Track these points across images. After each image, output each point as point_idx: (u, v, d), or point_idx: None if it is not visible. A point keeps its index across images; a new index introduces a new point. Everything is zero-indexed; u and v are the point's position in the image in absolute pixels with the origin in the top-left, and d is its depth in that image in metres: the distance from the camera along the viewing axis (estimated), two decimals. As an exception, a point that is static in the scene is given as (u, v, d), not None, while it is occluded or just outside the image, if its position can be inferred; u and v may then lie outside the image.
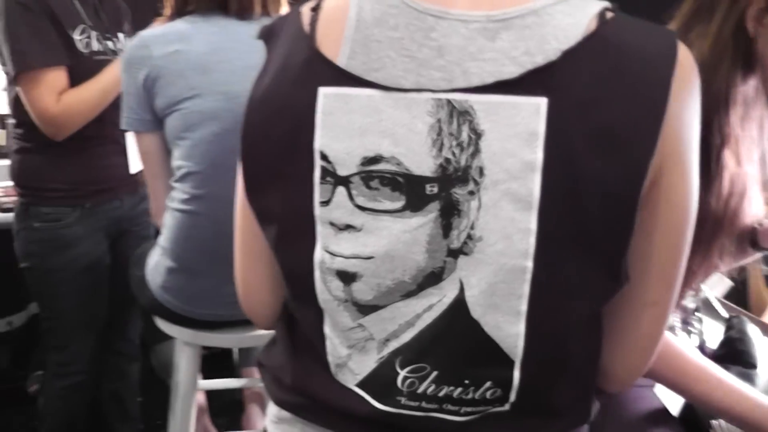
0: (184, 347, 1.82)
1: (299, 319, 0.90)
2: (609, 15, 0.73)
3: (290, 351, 0.92)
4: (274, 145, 0.81)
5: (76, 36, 1.98)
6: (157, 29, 1.63)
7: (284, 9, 1.68)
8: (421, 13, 0.75)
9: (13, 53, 1.91)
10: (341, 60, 0.77)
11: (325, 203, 0.79)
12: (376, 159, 0.76)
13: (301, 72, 0.79)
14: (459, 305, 0.77)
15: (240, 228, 0.93)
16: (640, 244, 0.77)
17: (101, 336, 2.25)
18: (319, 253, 0.81)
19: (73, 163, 2.05)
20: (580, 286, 0.75)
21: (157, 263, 1.74)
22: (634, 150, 0.71)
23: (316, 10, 0.81)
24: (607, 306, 0.81)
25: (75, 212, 2.06)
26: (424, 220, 0.75)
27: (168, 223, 1.69)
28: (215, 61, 1.57)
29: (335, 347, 0.84)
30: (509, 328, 0.76)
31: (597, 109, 0.70)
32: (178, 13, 1.64)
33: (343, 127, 0.77)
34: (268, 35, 0.86)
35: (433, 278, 0.77)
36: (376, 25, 0.76)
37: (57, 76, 1.93)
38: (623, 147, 0.71)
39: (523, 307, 0.75)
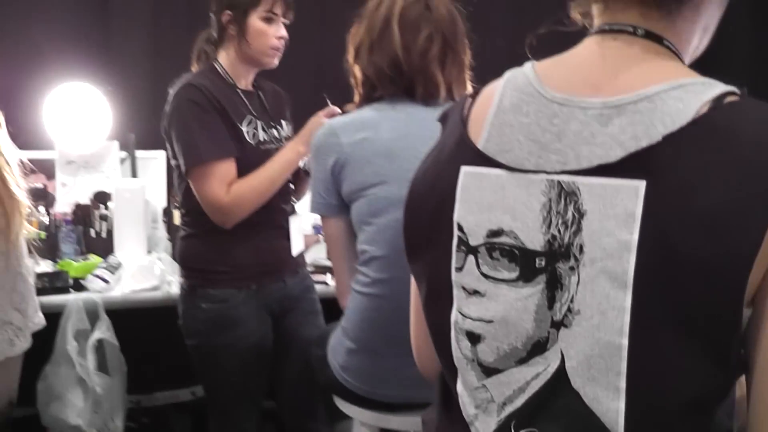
0: (363, 428, 1.83)
1: (445, 375, 0.96)
2: (730, 99, 0.74)
3: (441, 406, 0.99)
4: (427, 216, 0.93)
5: (244, 127, 2.10)
6: (344, 117, 1.70)
7: (469, 91, 1.72)
8: (549, 101, 0.83)
9: (186, 148, 2.04)
10: (480, 142, 0.87)
11: (459, 269, 0.88)
12: (498, 232, 0.84)
13: (451, 152, 0.91)
14: (561, 375, 0.80)
15: (412, 288, 1.04)
16: (759, 336, 0.74)
17: (289, 417, 2.34)
18: (454, 314, 0.89)
19: (240, 248, 2.14)
20: (683, 370, 0.74)
21: (338, 343, 1.77)
22: (737, 236, 0.70)
23: (474, 96, 0.93)
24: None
25: (241, 294, 2.15)
26: (533, 291, 0.81)
27: (351, 304, 1.73)
28: (401, 148, 1.61)
29: (465, 405, 0.90)
30: (609, 404, 0.76)
31: (697, 194, 0.71)
32: (367, 99, 1.71)
33: (476, 202, 0.86)
34: (443, 119, 0.98)
35: (539, 347, 0.82)
36: (511, 111, 0.85)
37: (227, 168, 2.04)
38: (725, 233, 0.70)
39: (622, 384, 0.75)
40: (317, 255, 2.57)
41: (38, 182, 2.74)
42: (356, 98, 1.75)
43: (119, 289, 2.46)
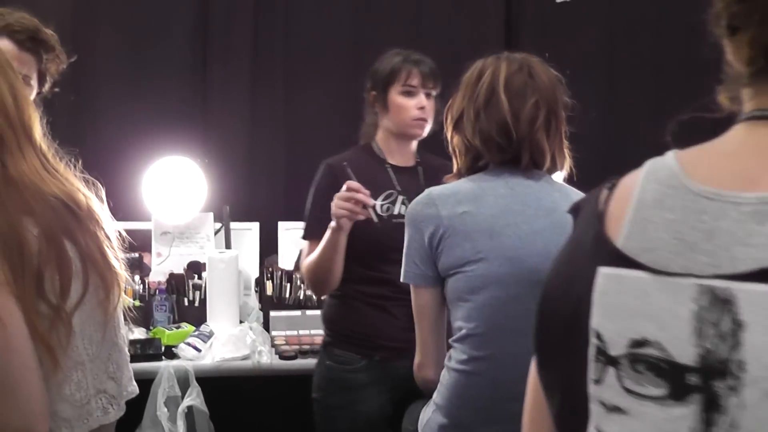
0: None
1: None
2: None
3: None
4: (561, 322, 0.84)
5: (379, 201, 2.17)
6: (445, 187, 1.69)
7: (568, 161, 1.72)
8: (696, 195, 0.74)
9: (305, 223, 2.23)
10: (620, 241, 0.78)
11: (597, 382, 0.78)
12: (642, 342, 0.75)
13: (587, 251, 0.82)
14: None
15: (530, 394, 0.94)
16: None
17: None
18: (591, 431, 0.80)
19: (369, 317, 2.20)
20: None
21: (429, 419, 1.72)
22: None
23: (611, 189, 0.84)
24: None
25: (363, 361, 2.18)
26: (686, 412, 0.72)
27: (444, 380, 1.68)
28: (503, 225, 1.59)
29: None
30: None
31: None
32: (469, 169, 1.70)
33: (616, 308, 0.77)
34: (575, 211, 0.89)
35: None
36: (653, 207, 0.77)
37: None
38: None
39: None
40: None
41: (134, 252, 2.82)
42: (455, 168, 1.74)
43: (210, 358, 2.48)
